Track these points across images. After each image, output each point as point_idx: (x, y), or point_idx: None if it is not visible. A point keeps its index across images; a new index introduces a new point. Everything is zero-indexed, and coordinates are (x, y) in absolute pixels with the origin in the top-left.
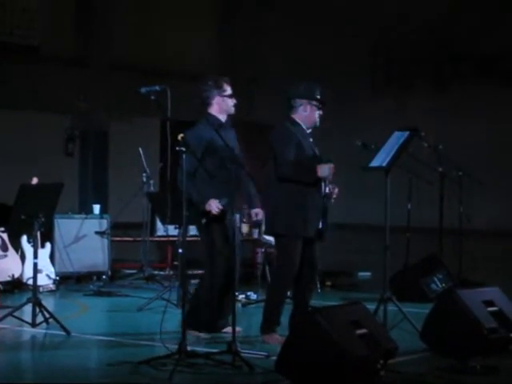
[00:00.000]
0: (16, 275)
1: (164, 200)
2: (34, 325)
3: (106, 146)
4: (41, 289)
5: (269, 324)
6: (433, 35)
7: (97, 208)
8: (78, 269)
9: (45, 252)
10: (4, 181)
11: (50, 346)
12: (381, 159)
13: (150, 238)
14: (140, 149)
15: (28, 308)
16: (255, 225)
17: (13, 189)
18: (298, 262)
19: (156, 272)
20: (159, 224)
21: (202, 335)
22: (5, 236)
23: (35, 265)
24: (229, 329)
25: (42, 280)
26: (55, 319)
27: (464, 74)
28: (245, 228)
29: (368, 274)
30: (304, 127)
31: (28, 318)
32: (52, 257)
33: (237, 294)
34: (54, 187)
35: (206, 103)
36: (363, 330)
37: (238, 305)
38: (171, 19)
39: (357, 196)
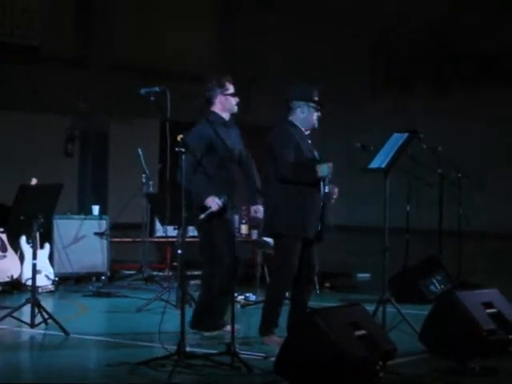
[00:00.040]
0: (15, 276)
1: (163, 201)
2: (32, 325)
3: (105, 146)
4: (40, 289)
5: (267, 326)
6: (433, 35)
7: (96, 209)
8: (77, 269)
9: (44, 253)
10: (3, 181)
11: (49, 347)
12: (380, 161)
13: (149, 239)
14: (139, 150)
15: (27, 309)
16: (254, 225)
17: (12, 189)
18: (297, 264)
19: (155, 273)
20: (158, 225)
21: (208, 334)
22: (4, 237)
23: (34, 265)
24: (228, 327)
25: (41, 281)
26: (54, 320)
27: (464, 74)
28: (244, 229)
29: (367, 275)
30: (302, 129)
31: (27, 318)
32: (51, 257)
33: (236, 294)
34: (54, 188)
35: (209, 102)
36: (362, 332)
37: (237, 306)
38: (171, 19)
39: (356, 197)
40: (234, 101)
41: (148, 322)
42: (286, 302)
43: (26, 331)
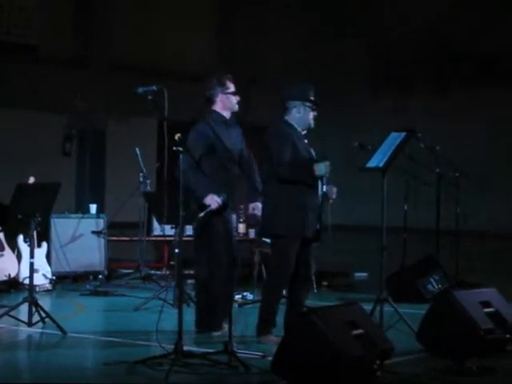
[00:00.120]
0: (12, 275)
1: (161, 200)
2: (30, 324)
3: (103, 145)
4: (37, 288)
5: (265, 325)
6: (433, 35)
7: (93, 207)
8: (74, 268)
9: (41, 251)
10: (1, 180)
11: (47, 346)
12: (377, 160)
13: (147, 238)
14: (137, 149)
15: (24, 307)
16: (252, 224)
17: (9, 188)
18: (294, 263)
19: (152, 272)
20: (156, 224)
21: (217, 334)
22: (1, 235)
23: (31, 264)
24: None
25: (39, 279)
26: (51, 319)
27: (464, 74)
28: (241, 228)
29: (364, 274)
30: (298, 129)
31: (24, 317)
32: (48, 256)
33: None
34: (51, 187)
35: (210, 101)
36: (359, 331)
37: (235, 305)
38: (171, 19)
39: (354, 197)
40: (234, 99)
41: (145, 321)
42: (283, 301)
43: (24, 330)
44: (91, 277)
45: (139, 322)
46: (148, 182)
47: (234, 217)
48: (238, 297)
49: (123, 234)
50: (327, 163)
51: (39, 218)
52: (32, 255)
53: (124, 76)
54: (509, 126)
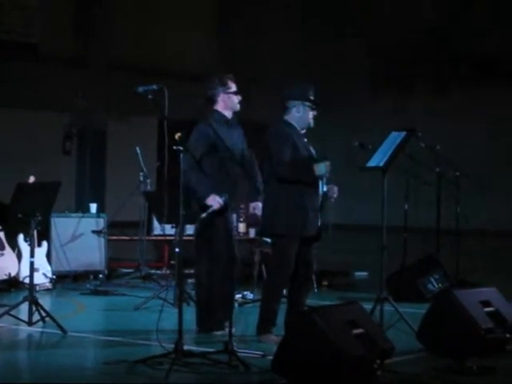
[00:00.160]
0: (12, 274)
1: (161, 199)
2: (30, 323)
3: (103, 144)
4: (37, 287)
5: (265, 324)
6: (433, 35)
7: (94, 207)
8: (74, 267)
9: (41, 251)
10: (1, 179)
11: (47, 345)
12: (378, 159)
13: (147, 237)
14: (137, 148)
15: (24, 307)
16: (252, 223)
17: (10, 187)
18: (294, 263)
19: (153, 271)
20: (156, 223)
21: (219, 333)
22: (1, 234)
23: (32, 263)
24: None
25: (39, 279)
26: (52, 318)
27: (464, 74)
28: (242, 227)
29: (365, 273)
30: (298, 128)
31: (24, 316)
32: (49, 255)
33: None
34: (51, 186)
35: (212, 101)
36: (360, 330)
37: (235, 304)
38: (171, 19)
39: (354, 196)
40: (236, 99)
41: (146, 320)
42: (284, 300)
43: (24, 329)
44: (91, 276)
45: (139, 322)
46: (148, 181)
47: (234, 216)
48: (238, 296)
49: (123, 234)
50: (327, 163)
51: (39, 217)
52: (32, 254)
53: (124, 76)
54: (509, 126)
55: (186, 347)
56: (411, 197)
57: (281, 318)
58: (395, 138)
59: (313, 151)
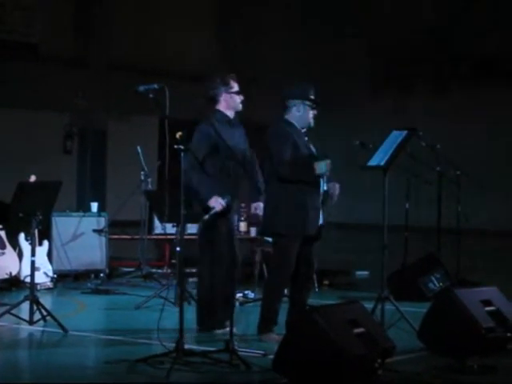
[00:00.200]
0: (14, 273)
1: (162, 198)
2: (31, 322)
3: (104, 143)
4: (38, 286)
5: (266, 323)
6: (433, 35)
7: (95, 206)
8: (75, 267)
9: (42, 250)
10: (2, 178)
11: (48, 344)
12: (379, 158)
13: (148, 236)
14: (138, 147)
15: (25, 306)
16: (253, 222)
17: (11, 186)
18: (295, 262)
19: (154, 270)
20: (157, 222)
21: (220, 332)
22: (3, 234)
23: (33, 262)
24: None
25: (40, 278)
26: (53, 317)
27: (464, 74)
28: (243, 226)
29: (366, 272)
30: (298, 127)
31: (25, 315)
32: (50, 254)
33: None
34: (53, 185)
35: (214, 100)
36: (361, 329)
37: (236, 303)
38: (171, 19)
39: (355, 195)
40: (238, 99)
41: (146, 320)
42: (285, 299)
43: (25, 328)
44: (92, 275)
45: (140, 321)
46: (149, 180)
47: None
48: (239, 295)
49: (124, 233)
50: (328, 161)
51: (40, 217)
52: (33, 253)
53: (124, 75)
54: (509, 126)
55: (186, 346)
56: (412, 196)
57: (282, 317)
58: (396, 137)
59: (313, 150)
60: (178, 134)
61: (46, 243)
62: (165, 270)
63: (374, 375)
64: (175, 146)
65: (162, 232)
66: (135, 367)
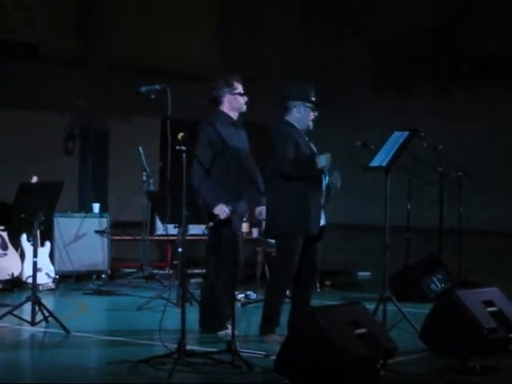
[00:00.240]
0: (15, 274)
1: (164, 199)
2: (33, 323)
3: (106, 144)
4: (40, 287)
5: (268, 324)
6: (433, 35)
7: (96, 207)
8: (77, 267)
9: (44, 251)
10: (4, 179)
11: (50, 345)
12: (381, 159)
13: (150, 237)
14: (140, 148)
15: (27, 307)
16: (255, 223)
17: (13, 187)
18: (297, 263)
19: (156, 271)
20: (159, 223)
21: (222, 334)
22: (5, 234)
23: (35, 263)
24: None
25: (42, 279)
26: (55, 318)
27: (464, 74)
28: (245, 227)
29: (368, 273)
30: (298, 128)
31: (27, 316)
32: (52, 255)
33: (236, 293)
34: (54, 186)
35: (217, 101)
36: (362, 330)
37: (238, 304)
38: (171, 19)
39: (356, 196)
40: (242, 100)
41: (148, 320)
42: (287, 300)
43: (27, 329)
44: (94, 276)
45: (142, 322)
46: (151, 181)
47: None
48: (241, 296)
49: (126, 234)
50: (328, 155)
51: (42, 217)
52: (35, 254)
53: (125, 76)
54: (509, 126)
55: (188, 347)
56: (414, 196)
57: (284, 318)
58: (398, 137)
59: (314, 149)
60: (180, 135)
61: (47, 244)
62: (167, 271)
63: (376, 376)
64: (177, 147)
65: (164, 233)
66: (137, 368)
